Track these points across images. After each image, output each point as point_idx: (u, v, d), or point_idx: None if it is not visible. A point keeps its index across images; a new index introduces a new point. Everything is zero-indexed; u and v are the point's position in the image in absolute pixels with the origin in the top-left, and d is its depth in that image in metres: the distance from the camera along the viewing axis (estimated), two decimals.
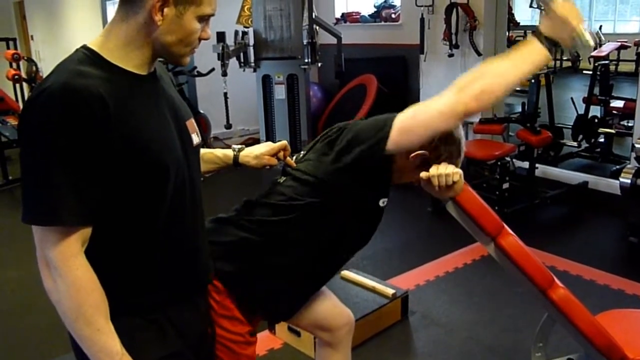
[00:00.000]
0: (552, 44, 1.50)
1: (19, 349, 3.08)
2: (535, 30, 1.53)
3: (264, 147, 1.83)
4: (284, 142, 1.85)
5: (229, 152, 1.81)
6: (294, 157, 1.83)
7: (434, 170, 1.69)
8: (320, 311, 1.96)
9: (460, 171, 1.70)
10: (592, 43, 1.50)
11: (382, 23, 7.35)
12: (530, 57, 1.50)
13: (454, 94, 1.48)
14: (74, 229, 1.18)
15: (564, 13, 1.48)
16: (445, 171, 1.67)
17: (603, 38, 1.80)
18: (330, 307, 2.00)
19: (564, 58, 11.68)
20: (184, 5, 1.23)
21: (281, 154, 1.83)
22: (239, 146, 1.84)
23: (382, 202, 1.73)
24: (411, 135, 1.55)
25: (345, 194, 1.65)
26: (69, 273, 1.18)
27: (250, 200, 1.75)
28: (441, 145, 1.73)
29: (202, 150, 1.67)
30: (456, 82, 1.50)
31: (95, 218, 1.21)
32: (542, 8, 1.55)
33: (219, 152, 1.81)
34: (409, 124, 1.55)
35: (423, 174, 1.69)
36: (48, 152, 1.14)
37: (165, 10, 1.21)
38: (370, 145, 1.58)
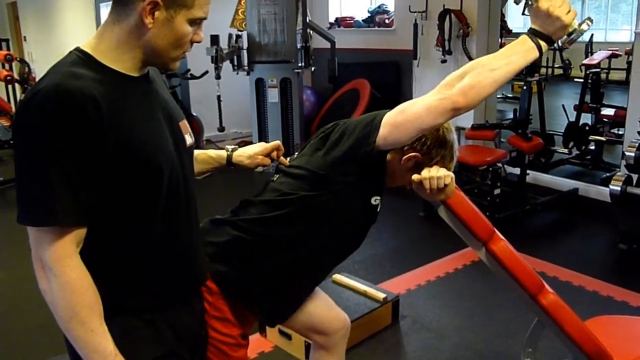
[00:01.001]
0: (543, 39, 1.46)
1: (8, 351, 3.06)
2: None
3: (258, 147, 1.84)
4: (278, 142, 1.86)
5: (223, 153, 1.81)
6: (288, 159, 1.84)
7: (426, 173, 1.70)
8: (316, 314, 1.96)
9: (451, 174, 1.71)
10: (585, 29, 1.46)
11: (376, 28, 7.38)
12: (520, 52, 1.46)
13: (443, 89, 1.47)
14: (68, 230, 1.18)
15: (546, 7, 1.43)
16: (437, 174, 1.68)
17: (592, 22, 1.75)
18: (326, 310, 2.00)
19: (556, 66, 11.76)
20: (174, 9, 1.23)
21: (274, 153, 1.84)
22: (233, 146, 1.84)
23: (374, 200, 1.73)
24: (399, 130, 1.54)
25: (337, 189, 1.65)
26: (63, 274, 1.18)
27: (246, 200, 1.76)
28: (433, 148, 1.74)
29: (196, 151, 1.68)
30: (445, 79, 1.49)
31: (90, 219, 1.21)
32: (528, 3, 1.49)
33: (213, 152, 1.81)
34: (398, 119, 1.55)
35: (415, 177, 1.70)
36: (42, 153, 1.14)
37: (156, 13, 1.21)
38: (358, 139, 1.60)
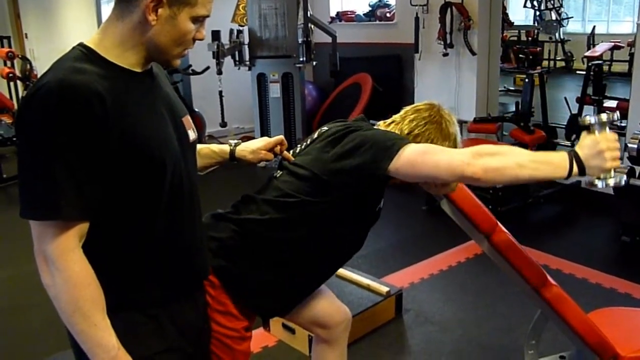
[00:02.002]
0: (579, 166, 1.42)
1: (13, 348, 3.07)
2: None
3: (261, 142, 1.83)
4: (281, 137, 1.85)
5: (225, 147, 1.81)
6: (291, 152, 1.84)
7: None
8: (318, 308, 1.96)
9: None
10: (611, 184, 1.46)
11: (377, 22, 7.37)
12: (553, 164, 1.44)
13: (470, 155, 1.45)
14: (71, 224, 1.18)
15: (604, 145, 1.42)
16: None
17: (623, 183, 1.75)
18: (327, 304, 2.00)
19: (558, 58, 11.73)
20: (178, 6, 1.23)
21: (278, 148, 1.83)
22: (236, 141, 1.84)
23: (377, 207, 1.75)
24: (413, 169, 1.52)
25: (338, 197, 1.65)
26: (66, 267, 1.19)
27: (248, 196, 1.75)
28: (437, 141, 1.74)
29: (199, 146, 1.68)
30: (480, 147, 1.48)
31: (93, 213, 1.22)
32: (588, 127, 1.47)
33: (215, 147, 1.82)
34: (417, 158, 1.52)
35: None
36: (46, 148, 1.14)
37: (159, 10, 1.22)
38: (372, 160, 1.56)
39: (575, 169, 1.42)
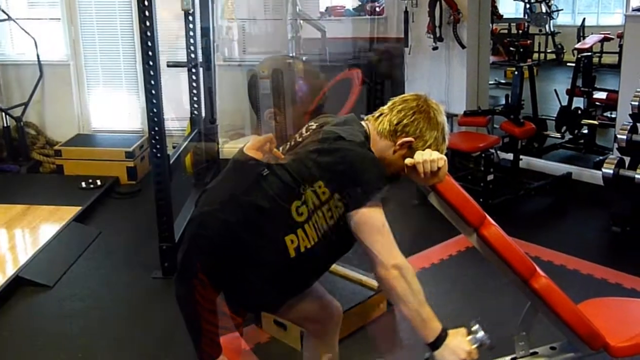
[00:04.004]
0: (438, 343, 1.62)
1: None
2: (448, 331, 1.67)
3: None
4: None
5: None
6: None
7: (419, 156, 1.70)
8: (308, 304, 1.96)
9: (444, 157, 1.72)
10: None
11: (367, 16, 7.35)
12: (425, 325, 1.63)
13: (395, 265, 1.64)
14: None
15: (465, 356, 1.63)
16: (430, 157, 1.69)
17: None
18: (318, 299, 2.00)
19: (549, 50, 11.74)
20: None
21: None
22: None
23: None
24: (357, 230, 1.69)
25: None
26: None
27: (234, 195, 1.73)
28: (426, 130, 1.74)
29: None
30: (408, 269, 1.66)
31: None
32: (470, 330, 1.70)
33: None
34: (367, 228, 1.70)
35: (408, 160, 1.71)
36: None
37: None
38: (343, 196, 1.66)
39: (433, 343, 1.62)
